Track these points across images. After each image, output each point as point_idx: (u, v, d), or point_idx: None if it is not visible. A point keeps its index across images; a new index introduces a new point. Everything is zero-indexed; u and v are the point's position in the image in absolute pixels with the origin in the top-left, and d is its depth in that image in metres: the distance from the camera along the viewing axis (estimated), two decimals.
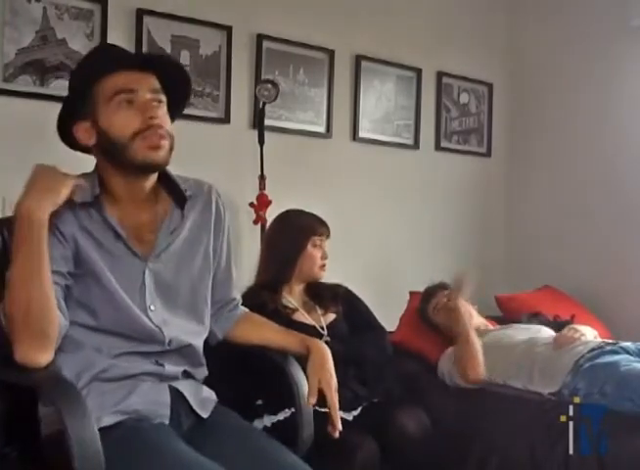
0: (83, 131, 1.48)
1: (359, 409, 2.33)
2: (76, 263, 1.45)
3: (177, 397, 1.53)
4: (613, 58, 3.41)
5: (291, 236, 2.41)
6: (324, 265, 2.43)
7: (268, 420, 2.16)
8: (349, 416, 2.30)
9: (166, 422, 1.48)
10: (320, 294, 2.47)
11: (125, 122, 1.44)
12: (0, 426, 1.42)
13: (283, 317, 2.27)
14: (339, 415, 1.63)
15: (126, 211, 1.52)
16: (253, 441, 1.54)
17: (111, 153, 1.47)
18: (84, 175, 1.52)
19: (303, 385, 1.67)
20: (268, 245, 2.50)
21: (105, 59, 1.50)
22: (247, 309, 1.81)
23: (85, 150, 1.55)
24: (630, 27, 3.33)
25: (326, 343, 2.17)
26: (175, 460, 1.34)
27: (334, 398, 1.62)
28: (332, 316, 2.45)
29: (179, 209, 1.57)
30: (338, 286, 2.53)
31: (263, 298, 2.29)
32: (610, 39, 3.42)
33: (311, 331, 2.35)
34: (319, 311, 2.44)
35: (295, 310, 2.38)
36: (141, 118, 1.43)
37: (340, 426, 1.63)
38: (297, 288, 2.45)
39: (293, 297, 2.42)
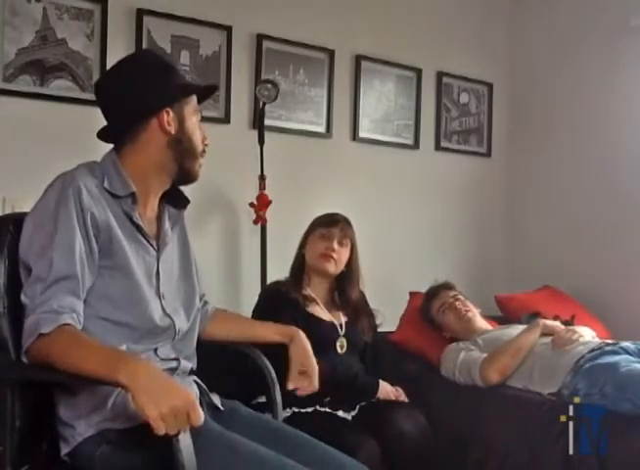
0: (170, 118, 1.56)
1: (357, 409, 2.34)
2: (106, 254, 1.46)
3: (198, 389, 1.62)
4: (613, 58, 3.41)
5: (305, 232, 2.52)
6: (325, 255, 2.42)
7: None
8: (348, 416, 2.31)
9: None
10: (342, 295, 2.49)
11: (200, 138, 1.62)
12: (17, 445, 1.43)
13: (300, 309, 2.34)
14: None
15: (141, 205, 1.57)
16: (274, 425, 1.67)
17: (181, 153, 1.58)
18: (97, 164, 1.56)
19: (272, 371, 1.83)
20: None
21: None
22: (214, 305, 1.88)
23: (113, 135, 1.60)
24: (630, 27, 3.32)
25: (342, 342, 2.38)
26: (248, 449, 1.42)
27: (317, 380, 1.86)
28: (349, 318, 2.49)
29: (174, 207, 1.67)
30: (360, 291, 2.56)
31: (286, 287, 2.39)
32: (610, 39, 3.42)
33: (330, 328, 2.38)
34: (340, 312, 2.48)
35: (313, 301, 2.42)
36: (202, 139, 1.63)
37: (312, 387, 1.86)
38: (319, 282, 2.48)
39: (314, 291, 2.46)
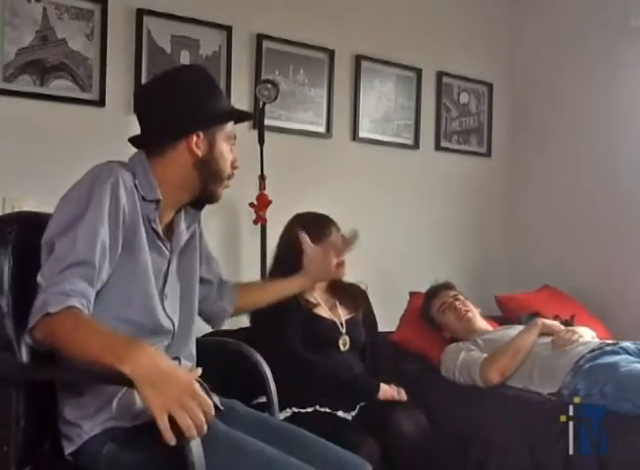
0: (199, 141, 1.56)
1: (357, 409, 2.34)
2: (129, 249, 1.47)
3: None
4: (613, 58, 3.41)
5: (299, 248, 2.28)
6: (340, 264, 2.42)
7: None
8: (348, 416, 2.31)
9: None
10: (341, 292, 2.50)
11: (228, 163, 1.62)
12: (21, 444, 1.42)
13: (303, 310, 2.34)
14: None
15: (161, 211, 1.57)
16: (273, 423, 1.69)
17: (207, 175, 1.59)
18: (126, 163, 1.55)
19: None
20: (279, 252, 2.48)
21: (234, 106, 1.72)
22: (231, 281, 1.92)
23: (144, 143, 1.59)
24: (630, 27, 3.32)
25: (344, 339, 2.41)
26: (254, 449, 1.43)
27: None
28: (351, 314, 2.50)
29: (192, 207, 1.67)
30: (358, 288, 2.57)
31: None
32: (610, 39, 3.42)
33: (331, 326, 2.38)
34: (339, 308, 2.48)
35: (316, 305, 2.43)
36: (232, 162, 1.64)
37: None
38: (319, 285, 2.47)
39: (314, 292, 2.45)
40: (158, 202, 1.53)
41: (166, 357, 1.31)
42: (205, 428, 1.22)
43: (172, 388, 1.21)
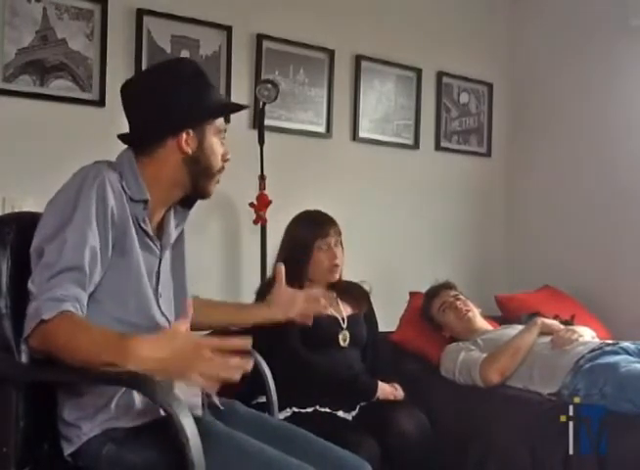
0: (189, 139, 1.53)
1: (357, 409, 2.34)
2: (120, 250, 1.46)
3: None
4: (613, 58, 3.41)
5: (297, 244, 2.44)
6: (335, 266, 2.43)
7: None
8: (349, 416, 2.31)
9: (200, 414, 1.53)
10: (341, 291, 2.51)
11: (219, 157, 1.58)
12: (21, 445, 1.42)
13: None
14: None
15: (151, 210, 1.56)
16: (274, 423, 1.69)
17: (197, 172, 1.55)
18: (114, 163, 1.53)
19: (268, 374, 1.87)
20: (281, 251, 2.49)
21: (227, 98, 1.67)
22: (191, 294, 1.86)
23: (133, 140, 1.57)
24: (630, 27, 3.32)
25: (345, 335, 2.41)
26: (254, 449, 1.43)
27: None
28: (353, 310, 2.51)
29: (181, 206, 1.64)
30: (360, 287, 2.57)
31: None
32: (610, 39, 3.42)
33: (331, 322, 2.39)
34: (340, 304, 2.49)
35: None
36: (223, 154, 1.59)
37: None
38: (319, 283, 2.48)
39: (314, 289, 2.44)
40: (146, 202, 1.51)
41: (163, 336, 1.31)
42: (238, 361, 1.27)
43: (181, 360, 1.25)
